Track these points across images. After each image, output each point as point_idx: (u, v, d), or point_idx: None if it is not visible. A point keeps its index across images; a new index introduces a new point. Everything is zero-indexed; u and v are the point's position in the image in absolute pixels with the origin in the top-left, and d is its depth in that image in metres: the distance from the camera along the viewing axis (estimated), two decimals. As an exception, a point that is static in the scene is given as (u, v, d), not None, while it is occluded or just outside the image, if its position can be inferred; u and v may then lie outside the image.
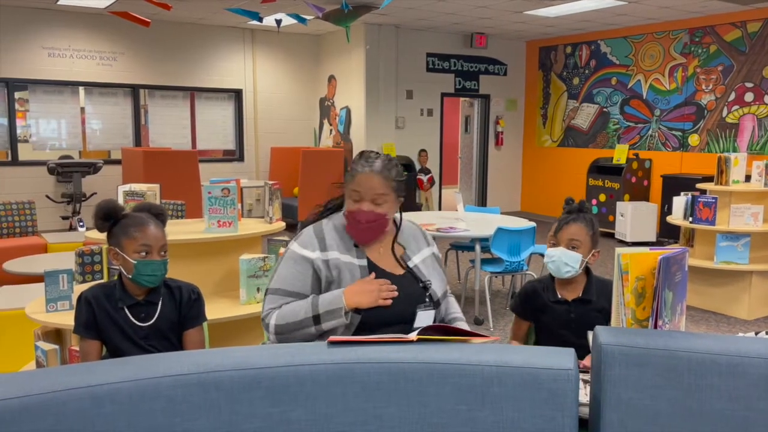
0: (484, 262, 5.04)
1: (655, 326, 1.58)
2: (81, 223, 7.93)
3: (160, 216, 2.16)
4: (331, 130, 10.37)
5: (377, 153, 2.02)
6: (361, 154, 2.01)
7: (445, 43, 10.04)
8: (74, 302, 2.14)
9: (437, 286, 2.04)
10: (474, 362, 1.44)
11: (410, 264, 2.03)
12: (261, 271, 2.98)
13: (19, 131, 8.56)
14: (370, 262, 1.99)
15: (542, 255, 2.93)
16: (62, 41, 8.61)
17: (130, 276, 2.06)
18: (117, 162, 8.89)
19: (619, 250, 1.61)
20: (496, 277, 5.97)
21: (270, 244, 3.22)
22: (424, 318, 1.95)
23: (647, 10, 7.97)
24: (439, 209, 10.23)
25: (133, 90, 9.21)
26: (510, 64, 10.75)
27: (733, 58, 8.04)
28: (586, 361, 1.91)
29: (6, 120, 8.45)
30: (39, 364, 2.40)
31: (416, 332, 1.56)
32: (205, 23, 9.42)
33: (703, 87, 8.38)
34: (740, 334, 1.80)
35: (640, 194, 8.86)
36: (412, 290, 1.97)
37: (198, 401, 1.38)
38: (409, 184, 9.25)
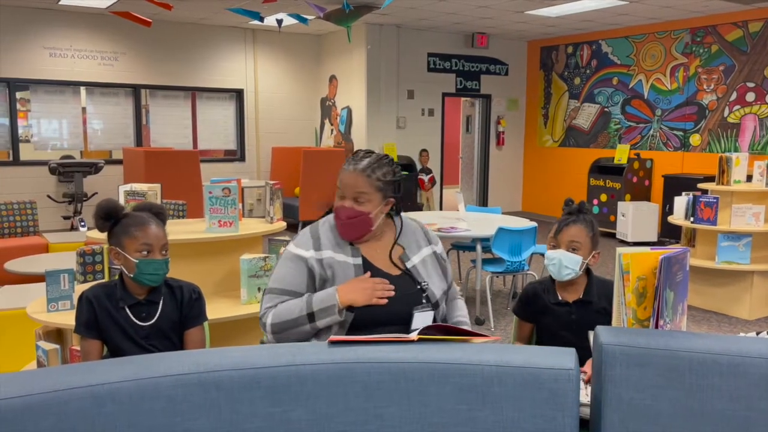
0: (485, 262, 5.03)
1: (656, 326, 1.58)
2: (82, 223, 7.93)
3: (160, 215, 2.16)
4: (332, 130, 10.37)
5: (369, 152, 2.04)
6: (355, 153, 2.05)
7: (446, 43, 10.04)
8: (75, 302, 2.15)
9: (436, 287, 2.03)
10: (475, 362, 1.44)
11: (408, 264, 2.02)
12: (262, 271, 2.98)
13: (20, 131, 8.57)
14: (365, 261, 2.00)
15: (543, 255, 2.92)
16: (64, 41, 8.61)
17: (132, 275, 2.06)
18: (118, 162, 8.90)
19: (620, 249, 1.60)
20: (497, 277, 5.97)
21: (271, 243, 3.22)
22: (422, 319, 1.94)
23: (648, 9, 7.97)
24: (441, 209, 10.23)
25: (135, 90, 9.22)
26: (511, 64, 10.74)
27: (735, 58, 8.03)
28: (587, 368, 1.91)
29: (7, 120, 8.46)
30: (40, 364, 2.41)
31: (417, 332, 1.56)
32: (207, 23, 9.42)
33: (705, 87, 8.37)
34: (741, 334, 1.80)
35: (642, 194, 8.85)
36: (409, 291, 1.97)
37: (198, 401, 1.38)
38: (410, 184, 9.25)
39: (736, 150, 8.05)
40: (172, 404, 1.36)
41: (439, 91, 10.12)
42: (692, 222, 5.34)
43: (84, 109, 9.00)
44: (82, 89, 8.92)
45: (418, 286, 1.99)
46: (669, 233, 7.90)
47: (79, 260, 3.17)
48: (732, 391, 1.42)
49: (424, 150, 9.98)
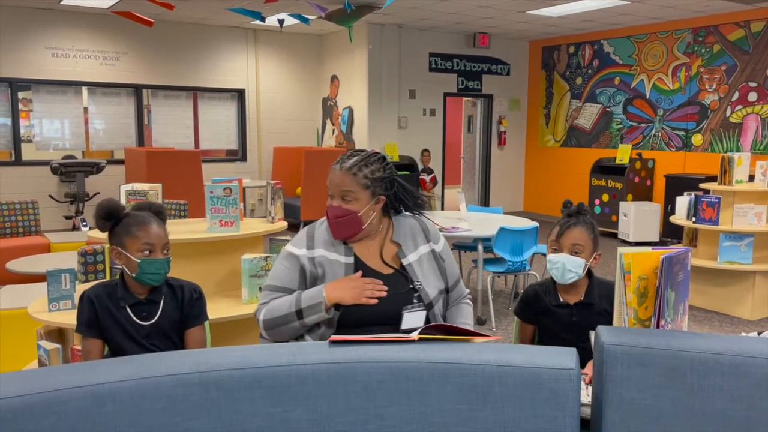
0: (486, 262, 5.03)
1: (658, 326, 1.57)
2: (84, 223, 7.94)
3: (159, 214, 2.16)
4: (333, 130, 10.37)
5: (359, 152, 2.04)
6: (346, 152, 2.05)
7: (447, 43, 10.04)
8: (76, 301, 2.15)
9: (432, 287, 2.02)
10: (475, 362, 1.44)
11: (404, 263, 2.02)
12: (263, 271, 2.98)
13: (22, 131, 8.58)
14: (358, 260, 2.00)
15: (544, 255, 2.91)
16: (65, 41, 8.62)
17: (134, 275, 2.07)
18: (120, 162, 8.91)
19: (622, 249, 1.60)
20: (498, 277, 5.97)
21: (272, 243, 3.22)
22: (412, 319, 1.93)
23: (650, 9, 7.96)
24: (442, 209, 10.22)
25: (136, 90, 9.22)
26: (513, 63, 10.74)
27: (737, 58, 8.02)
28: (588, 369, 1.90)
29: (9, 120, 8.48)
30: (41, 364, 2.41)
31: (418, 331, 1.56)
32: (208, 23, 9.43)
33: (707, 87, 8.36)
34: (743, 334, 1.79)
35: (643, 194, 8.84)
36: (400, 290, 1.97)
37: (199, 400, 1.38)
38: (412, 184, 9.23)
39: (738, 150, 8.03)
40: (172, 404, 1.36)
41: (441, 91, 10.12)
42: (694, 222, 5.33)
43: (86, 109, 9.01)
44: (84, 89, 8.93)
45: (411, 286, 1.99)
46: (671, 233, 7.88)
47: (80, 260, 3.18)
48: (733, 391, 1.41)
49: (425, 150, 9.98)
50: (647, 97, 9.10)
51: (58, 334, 2.68)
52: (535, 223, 5.06)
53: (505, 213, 6.34)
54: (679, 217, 5.54)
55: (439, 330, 1.63)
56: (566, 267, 2.17)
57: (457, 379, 1.43)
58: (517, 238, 4.84)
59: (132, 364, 1.41)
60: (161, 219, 2.16)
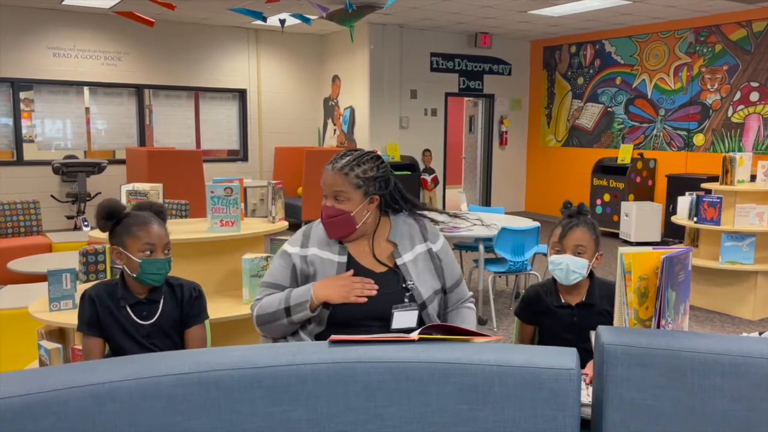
0: (487, 262, 5.03)
1: (658, 326, 1.57)
2: (86, 223, 7.95)
3: (160, 214, 2.16)
4: (335, 130, 10.37)
5: (352, 151, 2.04)
6: (340, 152, 2.06)
7: (449, 43, 10.03)
8: (77, 301, 2.15)
9: (426, 286, 2.01)
10: (475, 362, 1.44)
11: (399, 262, 2.01)
12: (263, 271, 2.98)
13: (24, 131, 8.59)
14: (351, 258, 2.01)
15: (545, 255, 2.90)
16: (67, 41, 8.63)
17: (135, 275, 2.07)
18: (121, 162, 8.92)
19: (622, 249, 1.60)
20: (499, 277, 5.96)
21: (273, 243, 3.22)
22: (403, 318, 1.93)
23: (652, 9, 7.95)
24: (443, 209, 10.22)
25: (138, 90, 9.23)
26: (514, 63, 10.73)
27: (739, 58, 8.01)
28: (588, 370, 1.90)
29: (11, 120, 8.49)
30: (42, 363, 2.41)
31: (418, 331, 1.55)
32: (209, 23, 9.43)
33: (708, 86, 8.35)
34: (744, 334, 1.79)
35: (645, 194, 8.83)
36: (392, 289, 1.96)
37: (199, 400, 1.38)
38: (413, 184, 9.24)
39: (739, 150, 8.02)
40: (172, 403, 1.36)
41: (442, 90, 10.11)
42: (696, 222, 5.33)
43: (87, 109, 9.02)
44: (86, 89, 8.94)
45: (403, 285, 1.98)
46: (672, 233, 7.87)
47: (81, 260, 3.18)
48: (734, 392, 1.41)
49: (427, 150, 9.97)
50: (649, 97, 9.09)
51: (59, 333, 2.69)
52: (537, 223, 5.05)
53: (506, 213, 6.34)
54: (681, 217, 5.54)
55: (439, 330, 1.63)
56: (570, 268, 2.16)
57: (457, 379, 1.43)
58: (519, 238, 4.83)
59: (132, 364, 1.41)
60: (162, 219, 2.16)
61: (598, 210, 8.98)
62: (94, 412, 1.32)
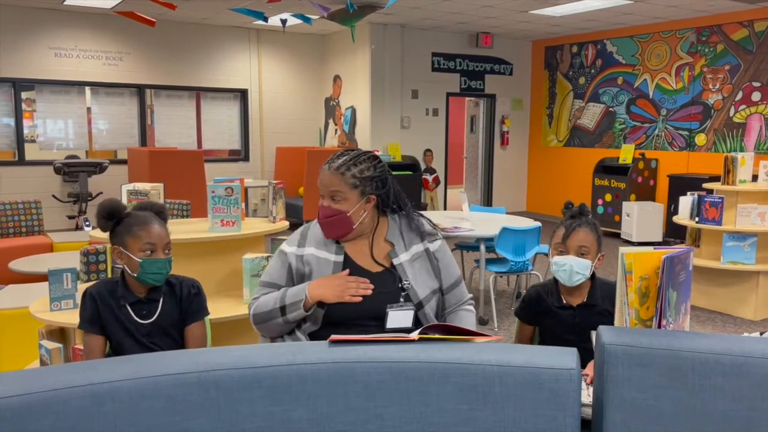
0: (489, 262, 5.02)
1: (659, 326, 1.57)
2: (87, 223, 7.95)
3: (160, 214, 2.17)
4: (336, 130, 10.37)
5: (348, 151, 2.03)
6: (337, 152, 2.06)
7: (450, 43, 10.03)
8: (78, 301, 2.15)
9: (423, 286, 2.00)
10: (476, 361, 1.43)
11: (396, 261, 2.01)
12: (264, 271, 2.98)
13: (26, 131, 8.60)
14: (348, 258, 2.01)
15: (547, 255, 2.90)
16: (69, 41, 8.64)
17: (135, 275, 2.07)
18: (123, 162, 8.93)
19: (623, 249, 1.60)
20: (501, 277, 5.96)
21: (273, 243, 3.22)
22: (399, 318, 1.93)
23: (653, 9, 7.94)
24: (445, 209, 10.22)
25: (139, 90, 9.24)
26: (516, 63, 10.72)
27: (740, 58, 8.00)
28: (588, 370, 1.89)
29: (13, 120, 8.49)
30: (43, 363, 2.41)
31: (418, 331, 1.55)
32: (210, 23, 9.44)
33: (710, 86, 8.34)
34: (745, 334, 1.78)
35: (647, 194, 8.82)
36: (387, 289, 1.96)
37: (198, 400, 1.37)
38: (414, 184, 9.24)
39: (741, 150, 8.01)
40: (171, 403, 1.36)
41: (444, 90, 10.11)
42: (697, 222, 5.32)
43: (89, 109, 9.03)
44: (87, 89, 8.94)
45: (399, 285, 1.98)
46: (674, 233, 7.87)
47: (82, 260, 3.18)
48: (735, 392, 1.41)
49: (428, 150, 9.97)
50: (650, 97, 9.08)
51: (59, 333, 2.69)
52: (538, 223, 5.05)
53: (507, 213, 6.33)
54: (683, 217, 5.53)
55: (439, 330, 1.63)
56: (573, 269, 2.16)
57: (457, 379, 1.43)
58: (520, 238, 4.83)
59: (131, 364, 1.41)
60: (162, 219, 2.16)
61: (600, 210, 8.98)
62: (93, 411, 1.31)
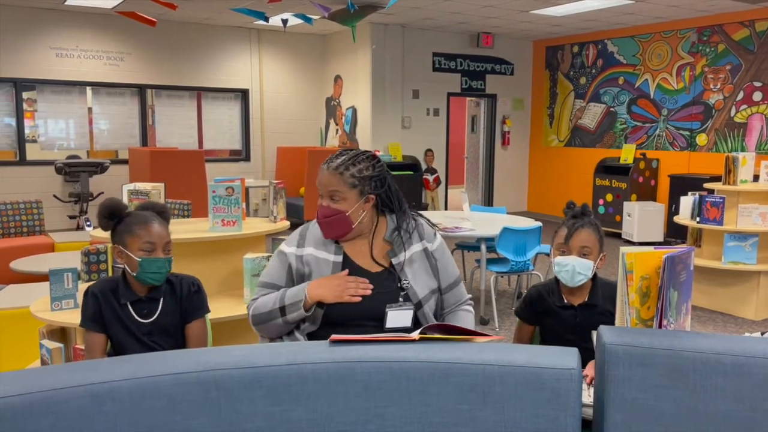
0: (489, 261, 5.02)
1: (660, 326, 1.57)
2: (88, 223, 7.96)
3: (162, 214, 2.17)
4: (337, 130, 10.37)
5: (347, 151, 2.03)
6: (335, 152, 2.06)
7: (451, 43, 10.02)
8: (79, 301, 2.16)
9: (422, 286, 2.00)
10: (476, 361, 1.43)
11: (395, 261, 2.01)
12: (263, 271, 2.98)
13: (27, 131, 8.60)
14: (347, 258, 2.01)
15: (548, 255, 2.91)
16: (70, 41, 8.64)
17: (135, 274, 2.07)
18: (124, 162, 8.93)
19: (624, 249, 1.59)
20: (501, 276, 5.95)
21: (274, 243, 3.22)
22: (398, 318, 1.93)
23: (654, 9, 7.93)
24: (446, 209, 10.22)
25: (140, 90, 9.24)
26: (516, 63, 10.72)
27: (742, 57, 7.99)
28: (588, 370, 1.89)
29: (14, 120, 8.50)
30: (44, 363, 2.41)
31: (418, 331, 1.55)
32: (211, 23, 9.44)
33: (711, 86, 8.33)
34: (746, 334, 1.78)
35: (648, 194, 8.81)
36: (386, 289, 1.96)
37: (199, 400, 1.37)
38: (415, 184, 9.24)
39: (742, 150, 8.00)
40: (172, 403, 1.36)
41: (445, 90, 10.10)
42: (698, 222, 5.31)
43: (90, 109, 9.03)
44: (88, 89, 8.95)
45: (398, 285, 1.98)
46: (675, 233, 7.86)
47: (83, 259, 3.18)
48: (736, 392, 1.40)
49: (429, 150, 9.97)
50: (651, 97, 9.07)
51: (60, 333, 2.69)
52: (539, 223, 5.05)
53: (508, 213, 6.33)
54: (684, 217, 5.52)
55: (440, 329, 1.63)
56: (576, 270, 2.15)
57: (457, 379, 1.42)
58: (521, 238, 4.83)
59: (131, 363, 1.41)
60: (164, 219, 2.16)
61: (601, 210, 8.97)
62: (93, 411, 1.31)
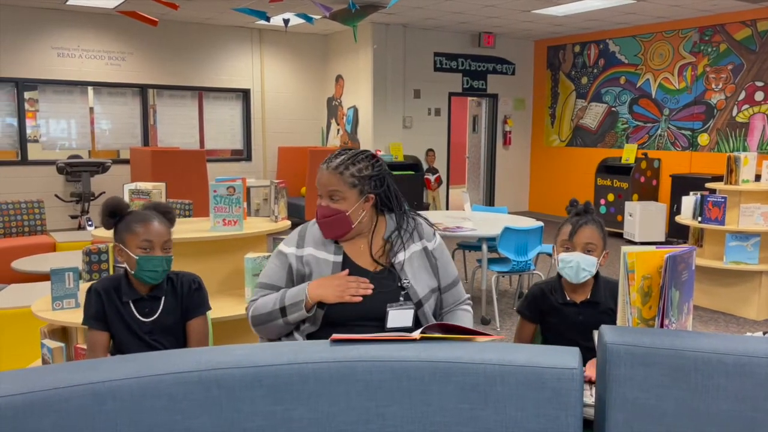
0: (491, 261, 5.02)
1: (662, 325, 1.56)
2: (90, 222, 7.96)
3: (167, 214, 2.17)
4: (338, 130, 10.37)
5: (346, 150, 2.03)
6: (335, 152, 2.05)
7: (452, 43, 10.02)
8: (80, 300, 2.16)
9: (422, 285, 2.00)
10: (477, 361, 1.43)
11: (395, 261, 2.00)
12: (261, 272, 2.98)
13: (28, 131, 8.61)
14: (347, 258, 2.00)
15: (549, 255, 2.91)
16: (71, 41, 8.65)
17: (133, 272, 2.07)
18: (125, 162, 8.94)
19: (625, 248, 1.59)
20: (503, 276, 5.95)
21: (275, 242, 3.22)
22: (399, 317, 1.93)
23: (656, 8, 7.93)
24: (447, 209, 10.21)
25: (142, 90, 9.25)
26: (518, 63, 10.71)
27: (743, 57, 7.98)
28: (588, 370, 1.89)
29: (16, 120, 8.51)
30: (45, 362, 2.41)
31: (419, 330, 1.55)
32: (213, 23, 9.44)
33: (713, 86, 8.32)
34: (748, 334, 1.78)
35: (649, 194, 8.80)
36: (387, 288, 1.96)
37: (200, 399, 1.37)
38: (417, 184, 9.24)
39: (744, 149, 7.99)
40: (173, 402, 1.36)
41: (446, 90, 10.10)
42: (700, 222, 5.31)
43: (92, 109, 9.03)
44: (90, 89, 8.95)
45: (398, 284, 1.98)
46: (677, 233, 7.85)
47: (85, 259, 3.19)
48: (738, 392, 1.40)
49: (430, 150, 9.96)
50: (653, 97, 9.06)
51: (61, 332, 2.69)
52: (540, 223, 5.04)
53: (510, 213, 6.32)
54: (685, 217, 5.52)
55: (441, 329, 1.62)
56: (580, 266, 2.15)
57: (458, 379, 1.42)
58: (522, 238, 4.82)
59: (132, 363, 1.41)
60: (168, 219, 2.16)
61: (602, 210, 8.96)
62: (94, 410, 1.31)
